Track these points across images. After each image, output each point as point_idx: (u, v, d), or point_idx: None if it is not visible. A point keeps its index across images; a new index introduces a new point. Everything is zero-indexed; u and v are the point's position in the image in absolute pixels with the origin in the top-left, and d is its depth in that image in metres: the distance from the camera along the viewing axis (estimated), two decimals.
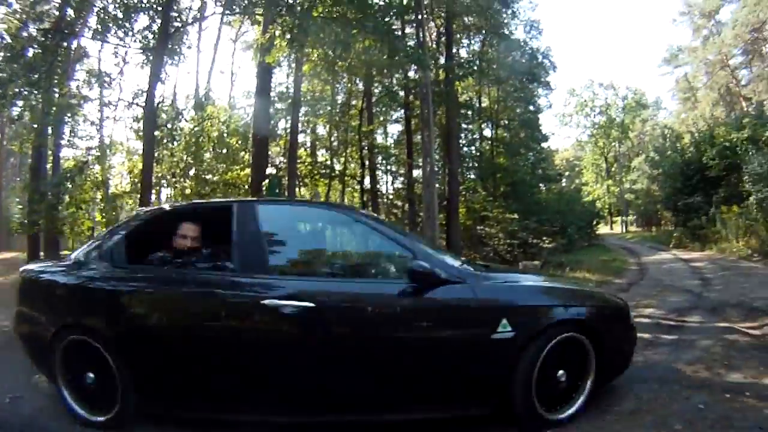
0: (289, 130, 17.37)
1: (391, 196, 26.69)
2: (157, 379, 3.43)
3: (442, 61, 19.63)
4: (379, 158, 25.03)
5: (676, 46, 43.53)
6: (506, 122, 28.03)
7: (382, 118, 25.77)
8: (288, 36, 9.69)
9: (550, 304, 3.77)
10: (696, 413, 4.13)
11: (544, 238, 17.97)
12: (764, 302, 9.18)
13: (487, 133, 27.77)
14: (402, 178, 26.73)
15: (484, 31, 23.26)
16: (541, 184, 28.68)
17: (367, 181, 24.31)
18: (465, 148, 26.05)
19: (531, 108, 29.17)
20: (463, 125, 25.48)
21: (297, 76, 15.48)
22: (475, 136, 27.01)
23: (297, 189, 18.91)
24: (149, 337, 3.44)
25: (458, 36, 23.79)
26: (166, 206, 5.04)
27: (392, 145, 27.67)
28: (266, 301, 3.20)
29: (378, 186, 25.14)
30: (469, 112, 25.36)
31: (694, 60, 40.38)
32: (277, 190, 12.42)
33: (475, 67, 22.90)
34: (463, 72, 19.81)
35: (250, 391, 3.37)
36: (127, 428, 3.49)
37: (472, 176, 25.87)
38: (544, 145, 32.75)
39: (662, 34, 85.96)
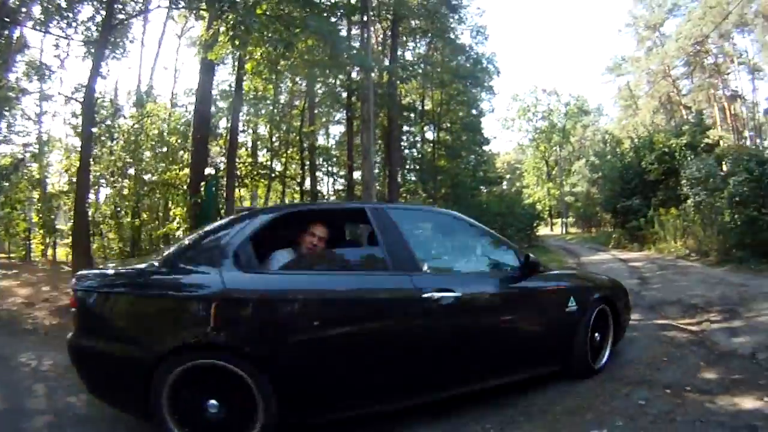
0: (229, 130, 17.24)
1: (332, 198, 26.70)
2: (306, 389, 3.27)
3: (387, 63, 19.85)
4: (321, 159, 24.97)
5: (620, 56, 46.05)
6: (449, 125, 28.47)
7: (324, 119, 25.83)
8: (231, 33, 9.64)
9: (591, 286, 5.39)
10: (637, 409, 4.36)
11: None
12: (701, 299, 9.71)
13: (430, 135, 28.26)
14: (343, 180, 27.16)
15: (430, 35, 23.62)
16: (482, 187, 29.28)
17: (308, 182, 24.09)
18: (407, 151, 26.37)
19: (474, 112, 29.77)
20: (406, 128, 25.82)
21: (239, 75, 15.34)
22: (417, 139, 27.42)
23: (237, 190, 18.74)
24: (307, 346, 3.28)
25: (404, 39, 24.07)
26: (286, 207, 4.85)
27: (334, 147, 27.81)
28: (426, 294, 3.57)
29: (318, 188, 25.16)
30: (412, 115, 25.72)
31: (636, 69, 42.67)
32: (213, 190, 12.43)
33: (420, 70, 23.26)
34: (407, 74, 20.05)
35: (405, 378, 3.64)
36: None
37: (414, 178, 26.19)
38: (485, 148, 33.49)
39: (608, 44, 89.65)
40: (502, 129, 49.54)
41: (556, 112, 45.11)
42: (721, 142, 30.02)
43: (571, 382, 4.90)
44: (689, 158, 22.38)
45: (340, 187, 26.73)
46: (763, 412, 4.28)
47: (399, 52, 23.22)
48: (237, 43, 9.79)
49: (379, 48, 20.75)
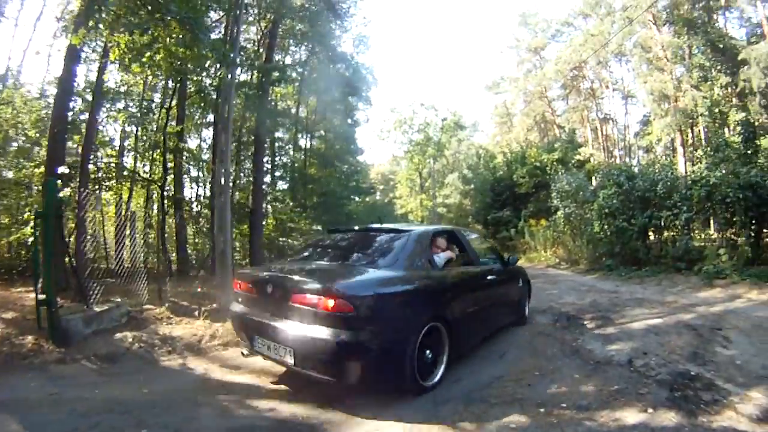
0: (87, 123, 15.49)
1: (196, 204, 25.06)
2: (460, 333, 5.61)
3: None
4: (190, 163, 23.42)
5: (500, 76, 48.52)
6: (323, 133, 28.13)
7: (197, 121, 24.13)
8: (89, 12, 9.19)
9: (523, 271, 8.93)
10: None
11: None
12: (573, 307, 9.77)
13: (303, 142, 27.65)
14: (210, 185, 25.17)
15: (311, 40, 22.95)
16: (354, 197, 29.26)
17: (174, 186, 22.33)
18: (279, 158, 25.51)
19: (349, 121, 29.72)
20: (279, 134, 24.99)
21: (102, 64, 13.82)
22: (289, 146, 26.65)
23: (100, 192, 16.63)
24: (461, 307, 5.74)
25: (287, 42, 23.28)
26: (432, 228, 6.81)
27: (204, 150, 26.18)
28: (490, 276, 6.94)
29: (183, 192, 23.46)
30: (286, 120, 24.90)
31: (514, 89, 44.68)
32: (60, 195, 10.83)
33: (296, 75, 22.60)
34: (280, 77, 19.20)
35: (487, 313, 6.65)
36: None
37: (285, 186, 25.44)
38: (360, 158, 33.67)
39: (490, 64, 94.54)
40: (377, 140, 50.53)
41: (433, 125, 46.17)
42: (591, 159, 32.12)
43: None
44: (560, 173, 23.18)
45: (204, 193, 25.28)
46: (648, 426, 4.07)
47: (280, 57, 22.29)
48: (93, 25, 9.34)
49: (258, 49, 19.59)
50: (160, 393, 5.00)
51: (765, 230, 12.30)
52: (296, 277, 4.91)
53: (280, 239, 18.36)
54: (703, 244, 13.94)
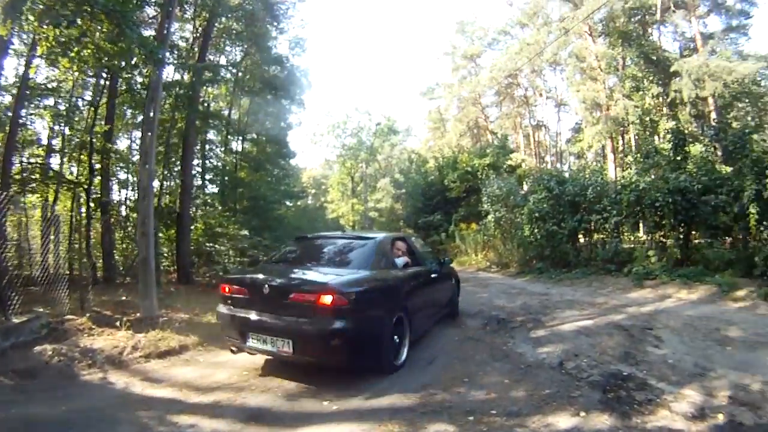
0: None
1: (124, 208, 23.86)
2: (416, 322, 6.68)
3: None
4: (119, 166, 22.24)
5: (435, 82, 48.74)
6: (255, 136, 27.55)
7: (128, 121, 22.93)
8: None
9: (455, 271, 10.34)
10: None
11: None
12: (504, 311, 9.68)
13: (235, 145, 26.98)
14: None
15: (247, 40, 22.32)
16: (286, 201, 28.78)
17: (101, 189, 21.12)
18: (209, 160, 24.71)
19: (282, 124, 29.28)
20: (211, 136, 24.19)
21: (29, 58, 12.89)
22: (220, 148, 25.90)
23: (24, 195, 15.40)
24: (416, 300, 6.90)
25: (222, 42, 22.53)
26: (391, 235, 7.94)
27: (134, 151, 24.97)
28: (432, 275, 8.00)
29: (111, 196, 22.23)
30: (217, 122, 24.14)
31: (449, 95, 45.07)
32: None
33: (230, 75, 22.02)
34: (213, 77, 18.51)
35: (430, 311, 7.71)
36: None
37: (215, 190, 24.68)
38: (292, 162, 33.27)
39: (426, 70, 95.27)
40: (310, 144, 49.98)
41: (366, 130, 46.08)
42: (523, 164, 32.79)
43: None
44: (491, 177, 23.53)
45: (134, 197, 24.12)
46: (581, 430, 3.97)
47: (214, 57, 21.52)
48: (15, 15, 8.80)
49: (193, 48, 18.79)
50: (79, 410, 4.79)
51: (693, 233, 12.67)
52: (294, 279, 5.93)
53: (207, 245, 17.59)
54: (632, 246, 14.28)
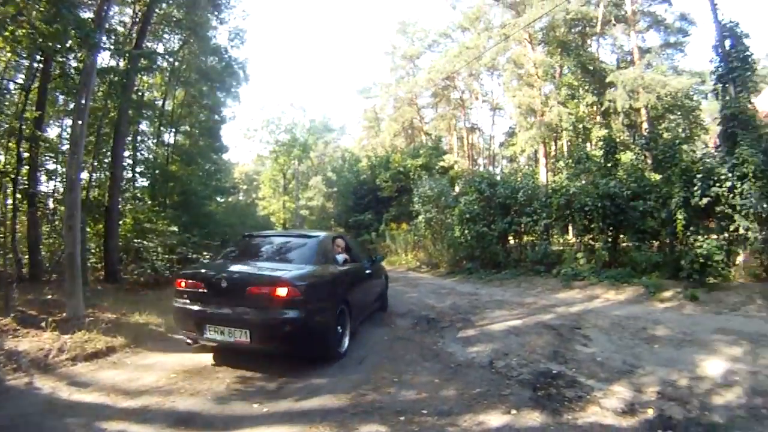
0: None
1: (52, 201, 22.42)
2: (354, 309, 7.29)
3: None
4: (48, 154, 20.81)
5: (372, 81, 48.91)
6: (188, 128, 26.72)
7: (60, 107, 21.57)
8: None
9: (384, 268, 11.40)
10: None
11: (205, 252, 17.11)
12: (434, 310, 9.68)
13: (167, 137, 26.02)
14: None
15: (186, 29, 21.54)
16: (217, 197, 28.11)
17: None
18: (140, 152, 23.70)
19: (216, 117, 28.61)
20: (143, 127, 23.20)
21: None
22: (151, 140, 24.92)
23: None
24: (355, 294, 7.56)
25: (161, 29, 21.63)
26: (331, 233, 8.81)
27: (65, 140, 23.49)
28: (367, 271, 8.64)
29: (38, 187, 20.79)
30: (150, 112, 23.19)
31: (385, 94, 45.42)
32: None
33: (166, 64, 21.22)
34: (149, 65, 17.76)
35: (367, 302, 8.50)
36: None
37: (145, 183, 23.72)
38: (224, 156, 32.55)
39: (365, 69, 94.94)
40: (243, 138, 49.11)
41: (300, 126, 45.70)
42: (455, 166, 33.26)
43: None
44: (423, 178, 23.58)
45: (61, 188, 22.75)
46: (512, 427, 4.00)
47: (152, 44, 20.63)
48: None
49: (130, 33, 17.93)
50: (4, 418, 4.62)
51: (621, 236, 13.06)
52: (249, 273, 6.43)
53: (136, 241, 16.81)
54: (561, 248, 14.64)
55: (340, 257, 7.75)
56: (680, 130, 25.48)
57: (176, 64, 22.27)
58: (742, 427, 4.07)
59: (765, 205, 10.20)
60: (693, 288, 9.83)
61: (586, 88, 28.78)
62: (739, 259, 10.95)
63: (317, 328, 6.00)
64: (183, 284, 6.35)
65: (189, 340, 6.29)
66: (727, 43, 12.53)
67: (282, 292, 5.67)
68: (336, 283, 6.87)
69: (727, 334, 6.93)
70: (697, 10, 66.97)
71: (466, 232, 16.08)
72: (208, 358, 6.24)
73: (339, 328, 6.54)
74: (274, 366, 5.85)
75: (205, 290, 6.12)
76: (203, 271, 6.80)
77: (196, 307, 6.10)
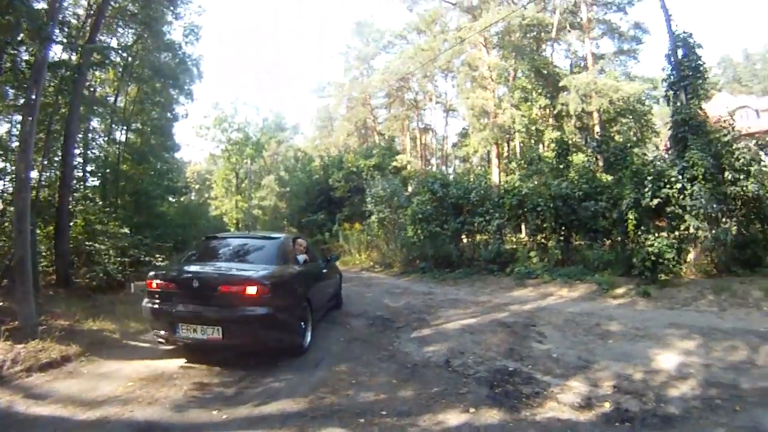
0: None
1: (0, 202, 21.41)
2: (314, 305, 7.72)
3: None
4: None
5: (327, 80, 49.00)
6: (140, 126, 26.05)
7: (10, 102, 20.60)
8: None
9: (338, 268, 11.51)
10: None
11: (158, 255, 16.72)
12: (388, 310, 9.69)
13: (119, 135, 25.28)
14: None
15: (140, 23, 20.95)
16: (169, 196, 27.54)
17: None
18: (91, 151, 22.93)
19: (169, 115, 27.99)
20: (95, 124, 22.45)
21: None
22: (102, 138, 24.20)
23: None
24: (314, 291, 8.03)
25: (116, 22, 20.96)
26: (291, 235, 9.96)
27: (14, 138, 22.44)
28: (324, 270, 9.22)
29: None
30: (102, 109, 22.48)
31: (338, 94, 45.25)
32: None
33: (120, 59, 20.58)
34: (102, 59, 17.18)
35: (325, 298, 9.00)
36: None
37: (96, 183, 22.97)
38: (177, 155, 31.96)
39: (320, 69, 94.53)
40: (196, 137, 48.23)
41: (253, 125, 45.24)
42: (408, 166, 33.47)
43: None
44: (376, 178, 23.50)
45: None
46: (472, 425, 4.03)
47: (106, 38, 19.97)
48: None
49: (84, 26, 17.29)
50: None
51: (574, 235, 13.35)
52: (220, 273, 6.72)
53: (87, 243, 16.20)
54: (514, 247, 14.76)
55: (301, 257, 8.13)
56: (632, 134, 26.30)
57: (130, 59, 21.67)
58: (697, 417, 4.20)
59: (714, 206, 10.58)
60: (645, 285, 10.10)
61: (540, 91, 29.25)
62: (690, 256, 11.27)
63: (284, 323, 6.43)
64: (155, 285, 6.56)
65: (161, 340, 6.57)
66: (680, 52, 12.90)
67: (252, 290, 6.05)
68: (299, 282, 7.31)
69: (680, 329, 7.12)
70: (652, 19, 69.50)
71: (419, 232, 16.14)
72: (164, 365, 6.13)
73: (302, 323, 6.95)
74: (231, 371, 5.82)
75: (177, 290, 6.42)
76: (174, 271, 7.05)
77: (168, 307, 6.35)
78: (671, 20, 13.19)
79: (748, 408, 4.26)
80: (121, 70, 21.14)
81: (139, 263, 15.53)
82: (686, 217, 10.73)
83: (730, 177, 10.74)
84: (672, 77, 13.05)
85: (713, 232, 10.79)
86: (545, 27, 30.60)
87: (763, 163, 11.19)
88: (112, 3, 18.29)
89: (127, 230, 16.66)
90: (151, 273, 7.05)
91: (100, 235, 16.04)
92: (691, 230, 10.73)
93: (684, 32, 12.97)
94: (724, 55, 71.20)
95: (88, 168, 21.41)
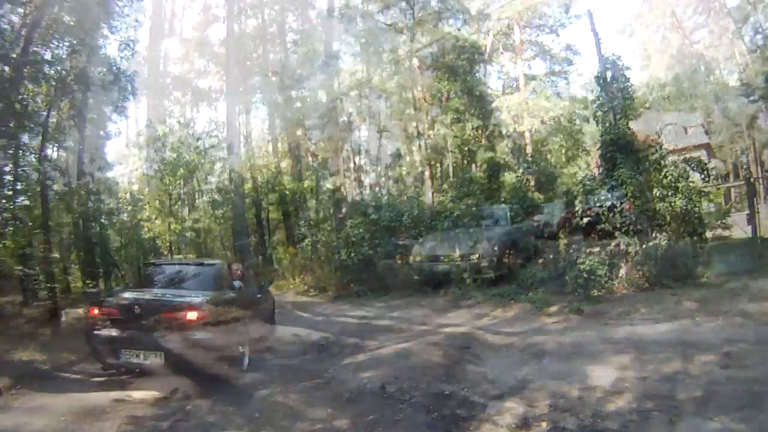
0: None
1: None
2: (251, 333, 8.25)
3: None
4: None
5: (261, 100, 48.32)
6: (72, 144, 25.21)
7: None
8: None
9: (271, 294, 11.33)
10: None
11: (89, 281, 16.15)
12: (322, 336, 9.48)
13: (50, 152, 24.35)
14: None
15: (75, 35, 20.36)
16: (102, 218, 26.86)
17: None
18: (21, 169, 22.00)
19: (101, 133, 27.27)
20: (26, 140, 21.60)
21: None
22: (33, 155, 23.27)
23: None
24: (251, 314, 8.43)
25: (50, 34, 20.27)
26: (226, 262, 9.63)
27: None
28: (258, 295, 9.57)
29: None
30: (32, 125, 21.65)
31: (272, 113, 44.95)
32: None
33: (53, 73, 19.92)
34: (35, 73, 16.61)
35: (258, 321, 9.10)
36: None
37: (26, 202, 22.06)
38: (109, 174, 31.25)
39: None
40: (129, 156, 47.11)
41: (187, 145, 44.67)
42: (342, 188, 33.46)
43: None
44: (309, 201, 23.43)
45: None
46: None
47: (40, 50, 19.32)
48: None
49: (18, 38, 16.62)
50: None
51: (507, 254, 13.42)
52: (160, 299, 6.92)
53: (17, 267, 15.41)
54: (448, 268, 14.83)
55: (237, 283, 8.34)
56: (563, 153, 27.25)
57: (63, 73, 21.04)
58: (634, 430, 4.32)
59: (644, 223, 11.01)
60: (578, 301, 10.27)
61: (473, 112, 30.06)
62: (621, 271, 11.58)
63: (224, 347, 6.64)
64: (96, 311, 6.73)
65: (103, 366, 6.77)
66: (609, 74, 13.50)
67: (193, 315, 6.28)
68: (237, 305, 7.56)
69: (614, 344, 7.27)
70: (583, 41, 72.65)
71: (353, 255, 16.06)
72: (97, 398, 5.98)
73: (240, 348, 7.26)
74: (165, 403, 5.80)
75: (119, 316, 6.51)
76: (114, 298, 7.29)
77: (110, 333, 6.44)
78: (600, 43, 13.82)
79: (685, 418, 4.36)
80: (54, 84, 20.58)
81: (69, 290, 15.67)
82: (616, 234, 11.09)
83: (658, 194, 11.21)
84: (601, 98, 13.63)
85: (643, 247, 11.16)
86: (478, 49, 31.48)
87: (690, 180, 11.74)
88: (49, 15, 17.84)
89: (57, 255, 16.22)
90: (93, 300, 7.44)
91: (30, 259, 15.44)
92: (622, 246, 11.09)
93: (613, 55, 13.58)
94: (653, 74, 75.45)
95: (19, 186, 20.64)
